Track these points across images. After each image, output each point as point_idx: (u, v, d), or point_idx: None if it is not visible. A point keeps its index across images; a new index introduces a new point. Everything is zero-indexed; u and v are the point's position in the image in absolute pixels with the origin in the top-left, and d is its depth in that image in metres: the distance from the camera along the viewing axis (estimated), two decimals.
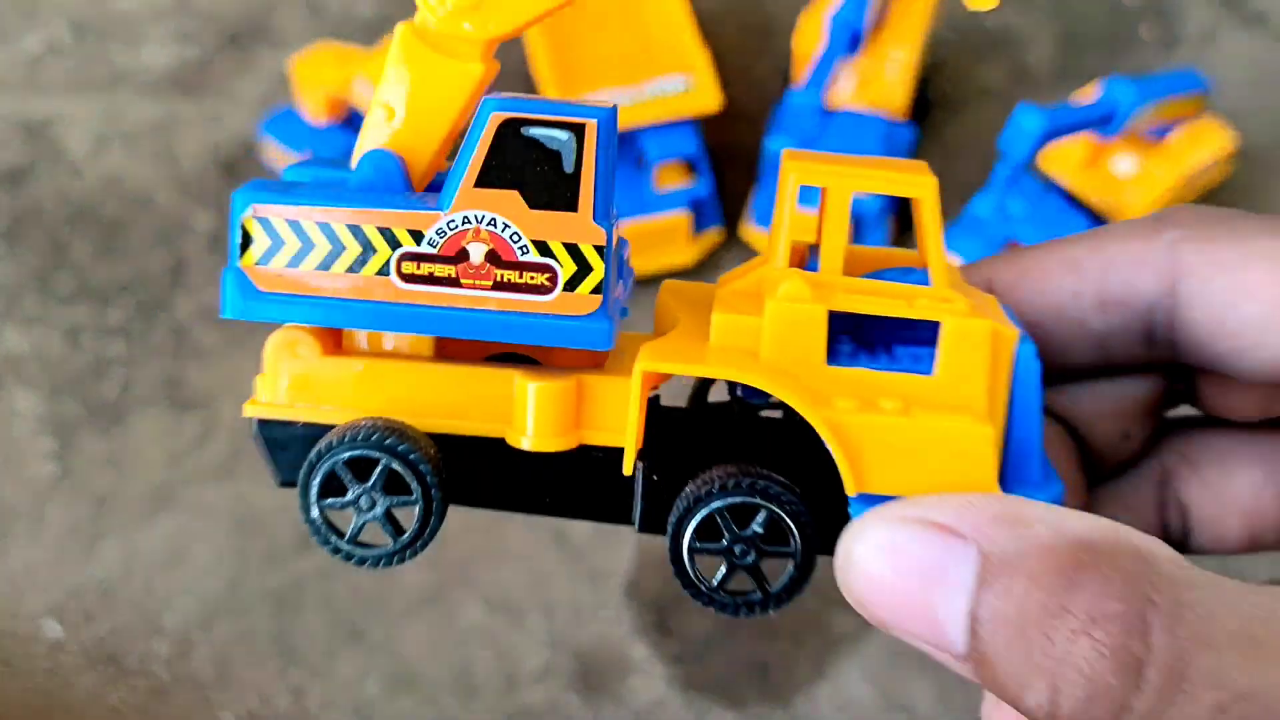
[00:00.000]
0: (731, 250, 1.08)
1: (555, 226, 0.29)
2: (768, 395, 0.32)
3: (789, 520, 0.29)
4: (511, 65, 1.19)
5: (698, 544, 0.30)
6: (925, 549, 0.26)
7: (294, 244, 0.29)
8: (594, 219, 0.29)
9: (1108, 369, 0.36)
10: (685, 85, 1.01)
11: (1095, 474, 0.39)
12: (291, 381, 0.31)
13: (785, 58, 1.17)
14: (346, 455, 0.30)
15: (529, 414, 0.30)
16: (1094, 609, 0.25)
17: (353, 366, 0.31)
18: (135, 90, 1.19)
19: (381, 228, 0.29)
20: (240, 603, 0.90)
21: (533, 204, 0.29)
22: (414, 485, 0.30)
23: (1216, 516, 0.38)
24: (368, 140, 0.30)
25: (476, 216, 0.29)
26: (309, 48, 1.05)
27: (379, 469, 0.30)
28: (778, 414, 0.33)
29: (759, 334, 0.29)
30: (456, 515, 0.95)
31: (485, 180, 0.28)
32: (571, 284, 0.29)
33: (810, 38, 1.07)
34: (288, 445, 0.31)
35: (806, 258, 0.33)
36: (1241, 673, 0.25)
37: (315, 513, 0.31)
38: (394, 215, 0.29)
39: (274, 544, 0.93)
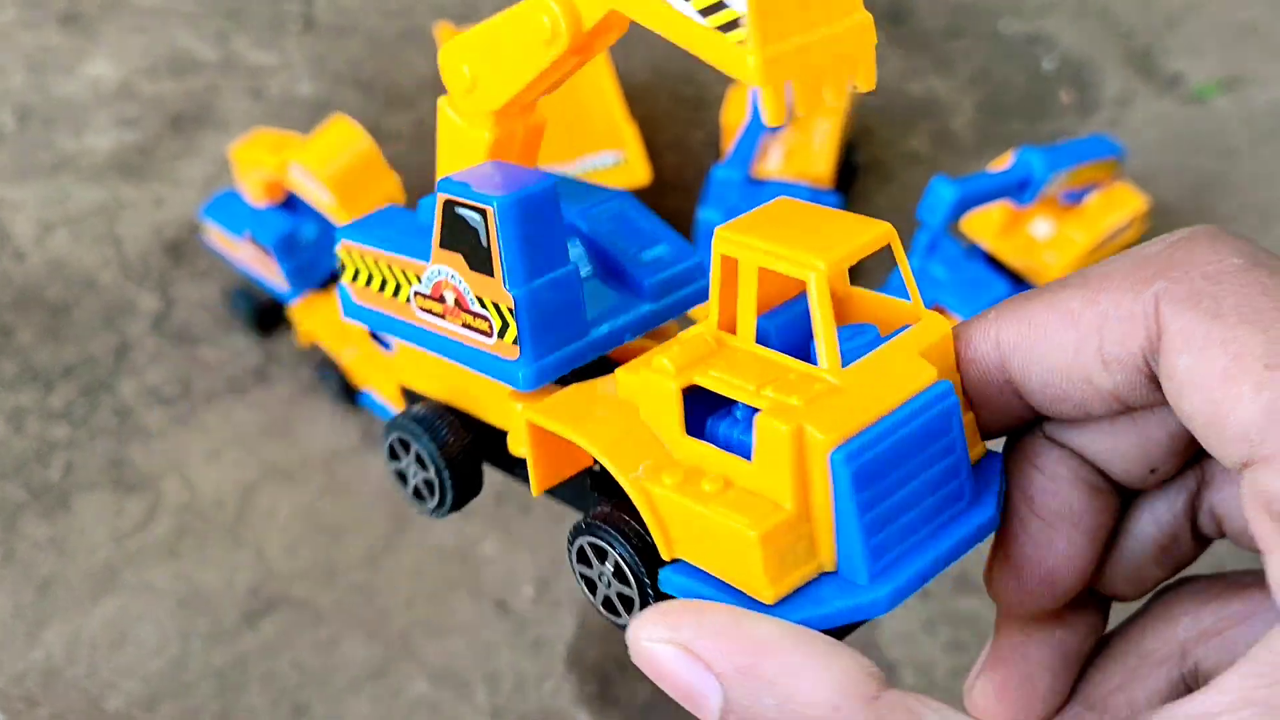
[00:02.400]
0: None
1: (484, 287, 0.34)
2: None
3: (627, 569, 0.33)
4: None
5: (580, 568, 0.35)
6: (683, 669, 0.28)
7: (363, 271, 0.38)
8: (505, 285, 0.34)
9: (1131, 411, 0.32)
10: (616, 160, 1.04)
11: (1126, 495, 0.35)
12: (398, 359, 0.40)
13: (717, 129, 1.20)
14: (396, 434, 0.39)
15: (518, 429, 0.36)
16: None
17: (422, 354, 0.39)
18: (79, 175, 1.21)
19: (402, 269, 0.36)
20: (184, 683, 0.91)
21: (471, 267, 0.34)
22: (432, 469, 0.38)
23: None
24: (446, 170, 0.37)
25: (443, 270, 0.35)
26: (247, 134, 1.08)
27: (413, 450, 0.38)
28: None
29: (636, 395, 0.33)
30: (398, 590, 0.95)
31: (443, 243, 0.35)
32: (500, 333, 0.35)
33: (738, 112, 1.10)
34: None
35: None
36: None
37: (390, 469, 0.40)
38: (406, 262, 0.36)
39: (217, 623, 0.93)
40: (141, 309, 1.11)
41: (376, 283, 0.37)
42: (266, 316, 1.08)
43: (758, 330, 0.33)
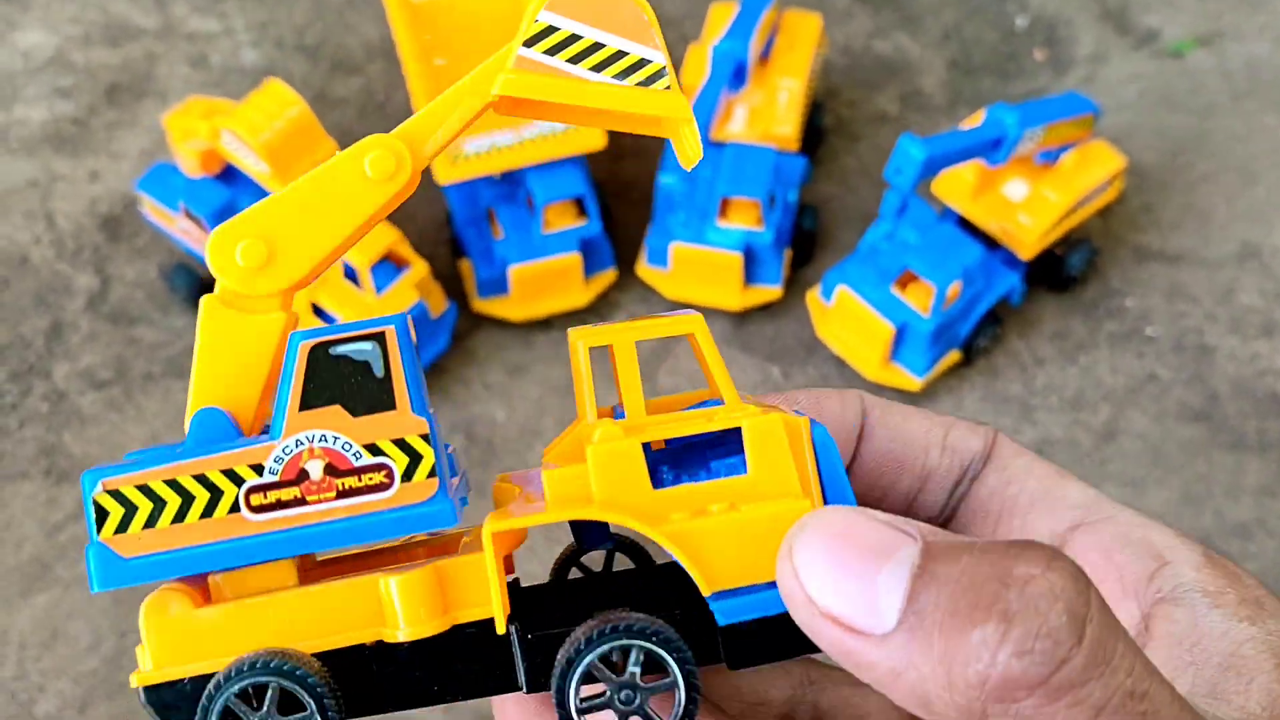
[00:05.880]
0: (627, 289, 1.06)
1: (380, 427, 0.31)
2: (610, 540, 0.36)
3: (659, 649, 0.31)
4: (398, 105, 1.17)
5: (583, 704, 0.32)
6: (875, 532, 0.28)
7: (146, 506, 0.31)
8: (412, 411, 0.31)
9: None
10: (569, 124, 0.99)
11: None
12: (170, 642, 0.32)
13: None
14: (237, 688, 0.31)
15: (398, 608, 0.32)
16: (1051, 561, 0.27)
17: (225, 613, 0.32)
18: (9, 148, 1.15)
19: (224, 470, 0.31)
20: (119, 682, 0.86)
21: (355, 413, 0.31)
22: (308, 701, 0.32)
23: None
24: (199, 398, 0.33)
25: (308, 437, 0.31)
26: (180, 103, 1.02)
27: (269, 693, 0.31)
28: (629, 565, 0.37)
29: (587, 478, 0.32)
30: None
31: (307, 403, 0.31)
32: (408, 474, 0.32)
33: (698, 71, 1.05)
34: (179, 705, 0.33)
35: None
36: (1150, 679, 0.28)
37: None
38: (232, 456, 0.31)
39: None
40: (76, 288, 1.06)
41: (169, 513, 0.31)
42: (206, 293, 1.02)
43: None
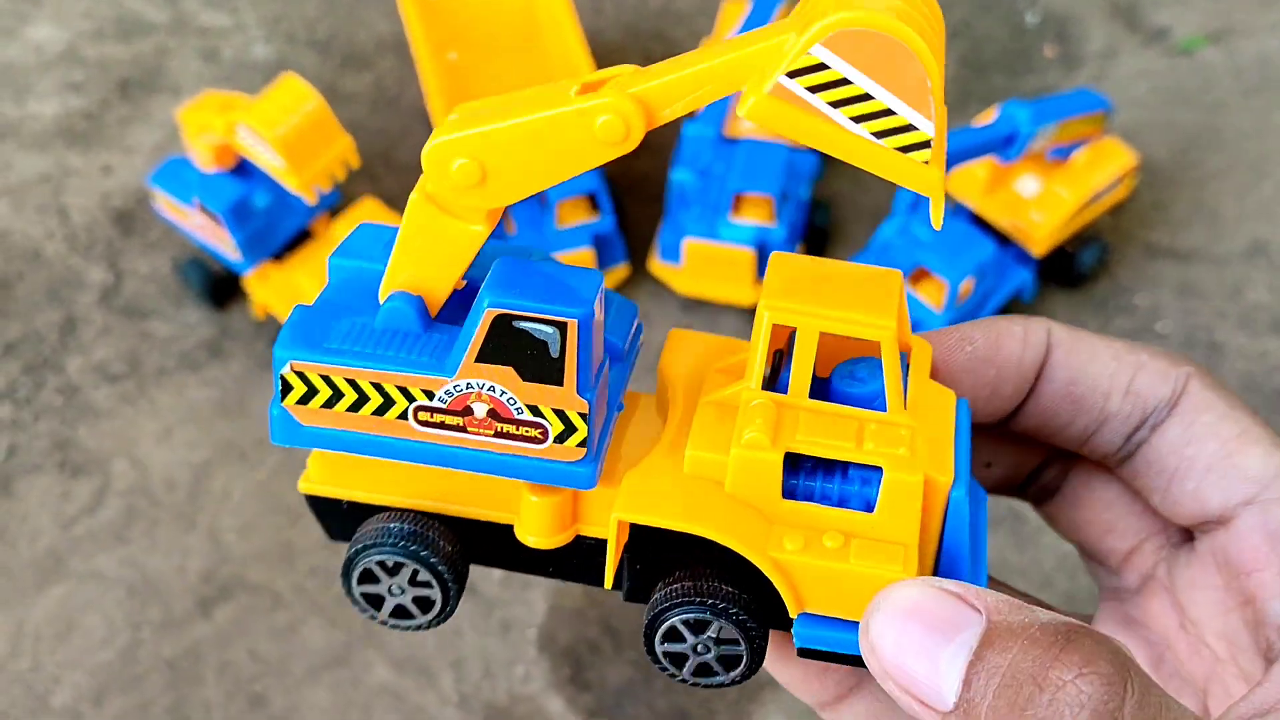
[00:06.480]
0: (640, 285, 1.06)
1: (545, 396, 0.33)
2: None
3: (736, 629, 0.35)
4: (410, 100, 1.17)
5: (667, 645, 0.35)
6: (943, 609, 0.30)
7: (325, 392, 0.33)
8: (577, 392, 0.33)
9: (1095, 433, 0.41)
10: None
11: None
12: (338, 467, 0.36)
13: None
14: (378, 558, 0.36)
15: (532, 519, 0.35)
16: (1084, 665, 0.28)
17: (387, 461, 0.36)
18: (21, 143, 1.15)
19: (400, 386, 0.33)
20: (134, 675, 0.86)
21: (525, 379, 0.33)
22: (434, 583, 0.36)
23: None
24: (393, 278, 0.34)
25: (478, 384, 0.33)
26: (195, 97, 1.02)
27: (406, 570, 0.36)
28: None
29: (725, 470, 0.34)
30: None
31: (484, 358, 0.33)
32: (561, 438, 0.33)
33: None
34: (334, 513, 0.37)
35: (783, 360, 0.36)
36: None
37: (356, 595, 0.36)
38: (410, 378, 0.33)
39: (169, 611, 0.89)
40: (89, 282, 1.06)
41: (345, 404, 0.34)
42: (220, 288, 1.03)
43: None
